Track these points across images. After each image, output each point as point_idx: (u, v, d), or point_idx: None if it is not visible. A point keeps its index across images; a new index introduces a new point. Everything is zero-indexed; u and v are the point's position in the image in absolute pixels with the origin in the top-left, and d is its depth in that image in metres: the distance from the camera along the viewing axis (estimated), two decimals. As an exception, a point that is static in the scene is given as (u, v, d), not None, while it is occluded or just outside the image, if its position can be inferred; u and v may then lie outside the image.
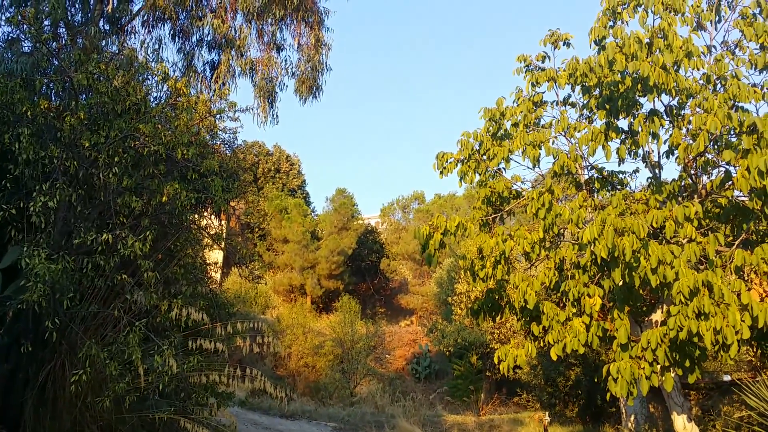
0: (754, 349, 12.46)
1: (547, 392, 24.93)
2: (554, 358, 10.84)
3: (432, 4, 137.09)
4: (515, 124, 12.50)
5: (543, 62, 12.73)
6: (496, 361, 11.60)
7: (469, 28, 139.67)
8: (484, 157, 12.33)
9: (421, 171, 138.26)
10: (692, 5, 11.40)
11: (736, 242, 10.31)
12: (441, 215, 11.93)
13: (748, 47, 11.38)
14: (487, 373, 30.31)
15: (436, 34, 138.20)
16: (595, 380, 16.00)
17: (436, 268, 40.87)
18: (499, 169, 12.47)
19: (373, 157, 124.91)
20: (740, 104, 10.52)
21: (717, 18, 11.51)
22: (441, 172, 12.41)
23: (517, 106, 12.66)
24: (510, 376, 23.34)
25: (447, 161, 12.42)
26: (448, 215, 35.56)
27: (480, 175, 12.57)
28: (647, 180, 12.43)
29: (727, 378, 18.26)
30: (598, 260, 9.78)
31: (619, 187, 12.78)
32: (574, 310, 10.78)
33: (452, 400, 30.99)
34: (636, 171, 13.04)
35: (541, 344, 11.70)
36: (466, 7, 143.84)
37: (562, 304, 11.46)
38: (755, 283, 10.43)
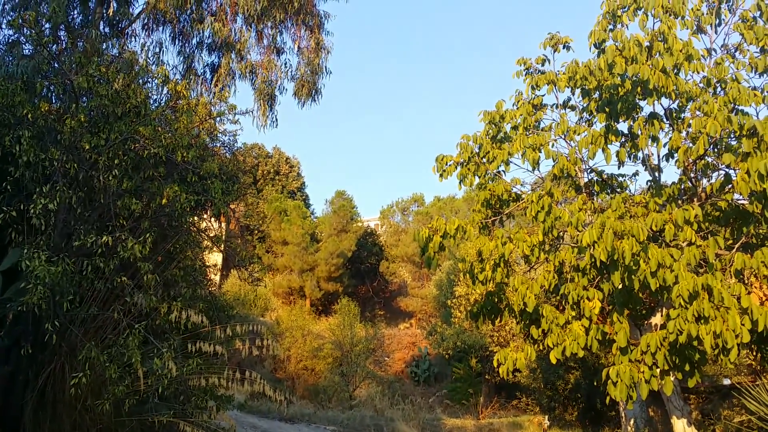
0: (754, 353, 12.46)
1: (546, 396, 24.93)
2: (553, 361, 10.85)
3: (433, 6, 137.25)
4: (515, 127, 12.50)
5: (543, 65, 12.72)
6: (495, 364, 11.59)
7: (470, 29, 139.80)
8: (484, 160, 12.33)
9: (421, 173, 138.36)
10: (692, 8, 11.39)
11: (736, 246, 10.30)
12: (440, 218, 11.93)
13: (748, 50, 11.37)
14: (487, 377, 30.29)
15: (437, 36, 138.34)
16: (595, 384, 16.01)
17: (436, 271, 40.85)
18: (499, 172, 12.47)
19: (372, 159, 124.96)
20: (740, 107, 10.53)
21: (717, 21, 11.51)
22: (441, 175, 12.42)
23: (517, 109, 12.65)
24: (509, 380, 23.41)
25: (446, 164, 12.43)
26: (448, 218, 35.52)
27: (479, 177, 12.57)
28: (647, 183, 12.44)
29: (726, 382, 18.24)
30: (598, 263, 9.79)
31: (618, 190, 12.77)
32: (573, 314, 10.79)
33: (451, 403, 30.97)
34: (636, 174, 13.04)
35: (541, 347, 11.69)
36: (468, 9, 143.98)
37: (561, 308, 11.46)
38: (755, 287, 10.43)
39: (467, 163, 12.43)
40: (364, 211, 57.47)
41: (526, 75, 12.85)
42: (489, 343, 29.30)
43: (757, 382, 9.84)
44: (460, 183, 12.60)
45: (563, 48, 12.50)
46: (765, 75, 11.00)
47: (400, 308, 49.32)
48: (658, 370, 9.81)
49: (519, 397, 27.70)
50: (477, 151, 12.45)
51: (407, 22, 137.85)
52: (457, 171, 12.49)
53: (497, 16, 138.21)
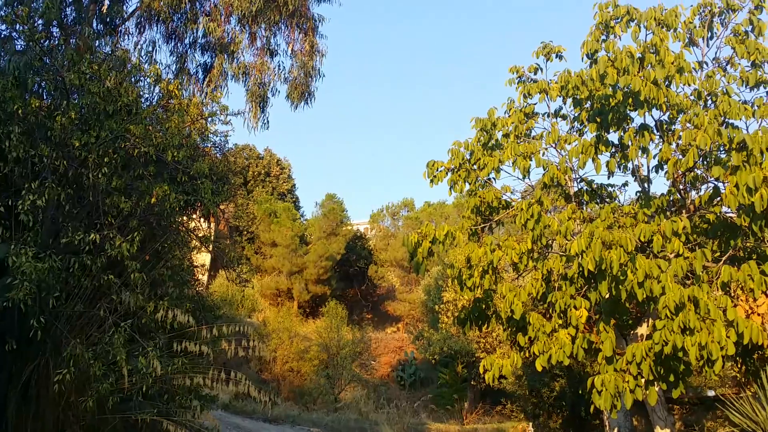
0: (739, 366, 12.50)
1: (531, 403, 24.96)
2: (539, 369, 10.84)
3: (428, 8, 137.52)
4: (506, 135, 12.49)
5: (535, 74, 12.72)
6: (481, 370, 11.59)
7: (464, 34, 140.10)
8: (475, 167, 12.33)
9: (412, 178, 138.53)
10: (685, 21, 11.44)
11: (724, 258, 10.34)
12: (430, 223, 11.95)
13: (739, 64, 11.38)
14: (472, 382, 30.36)
15: (431, 38, 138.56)
16: (580, 392, 16.05)
17: (424, 276, 40.91)
18: (489, 179, 12.47)
19: (364, 163, 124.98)
20: (730, 121, 10.55)
21: (709, 34, 11.55)
22: (431, 181, 12.41)
23: (509, 116, 12.64)
24: (495, 386, 23.38)
25: (437, 170, 12.42)
26: (437, 224, 35.62)
27: (470, 184, 12.57)
28: (636, 194, 12.47)
29: (711, 393, 18.31)
30: (585, 273, 9.80)
31: (608, 200, 12.79)
32: (560, 322, 10.82)
33: (436, 408, 31.02)
34: (625, 184, 13.04)
35: (527, 355, 11.69)
36: (462, 12, 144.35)
37: (548, 316, 11.48)
38: (741, 300, 10.47)
39: (458, 169, 12.42)
40: (354, 215, 57.72)
41: (518, 83, 12.86)
42: (475, 349, 29.34)
43: (741, 395, 9.89)
44: (450, 189, 12.58)
45: (556, 57, 12.49)
46: (756, 89, 11.05)
47: (388, 312, 49.37)
48: (642, 380, 9.83)
49: (504, 404, 27.75)
50: (468, 157, 12.44)
51: (402, 27, 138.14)
52: (447, 177, 12.48)
53: (492, 25, 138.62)
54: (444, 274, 33.28)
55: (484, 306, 12.48)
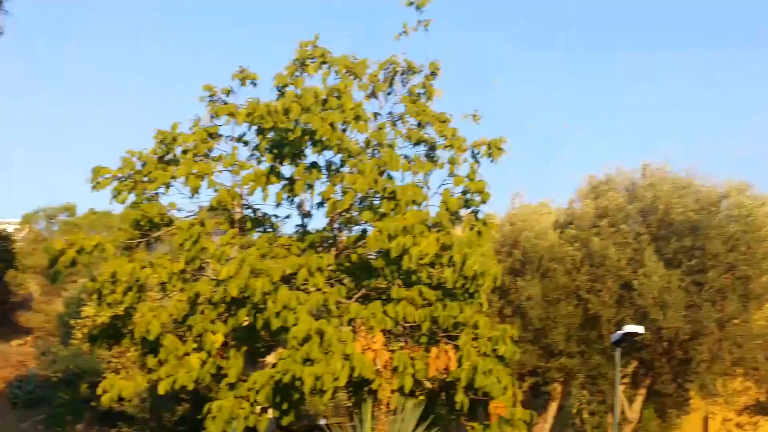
0: (351, 396, 13.26)
1: (149, 427, 24.50)
2: (161, 392, 10.62)
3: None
4: (185, 151, 12.27)
5: (228, 96, 12.72)
6: (99, 392, 11.10)
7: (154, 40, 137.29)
8: (145, 179, 11.93)
9: (82, 182, 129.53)
10: (371, 74, 12.31)
11: (355, 296, 11.04)
12: (80, 231, 11.31)
13: (408, 121, 12.47)
14: (93, 404, 28.95)
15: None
16: (199, 417, 16.04)
17: (69, 288, 38.65)
18: (157, 194, 12.11)
19: (22, 158, 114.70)
20: (390, 172, 11.44)
21: (389, 90, 12.54)
22: (94, 187, 11.83)
23: (192, 133, 12.46)
24: (117, 408, 22.53)
25: (103, 176, 11.80)
26: (99, 233, 33.90)
27: (136, 196, 12.08)
28: (295, 227, 12.89)
29: (323, 422, 19.37)
30: (229, 298, 9.89)
31: (270, 229, 13.04)
32: (195, 345, 10.72)
33: (46, 430, 29.16)
34: (288, 217, 13.39)
35: (155, 377, 11.34)
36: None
37: (185, 339, 11.28)
38: (362, 336, 11.15)
39: (126, 178, 11.94)
40: (3, 212, 52.87)
41: (209, 102, 12.76)
42: (105, 369, 28.06)
43: (343, 424, 10.44)
44: (112, 198, 11.99)
45: (250, 84, 12.67)
46: (417, 146, 12.20)
47: (20, 323, 45.73)
48: (258, 408, 10.01)
49: (120, 427, 26.85)
50: (140, 168, 12.02)
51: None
52: (113, 185, 11.91)
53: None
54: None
55: (120, 324, 11.95)
